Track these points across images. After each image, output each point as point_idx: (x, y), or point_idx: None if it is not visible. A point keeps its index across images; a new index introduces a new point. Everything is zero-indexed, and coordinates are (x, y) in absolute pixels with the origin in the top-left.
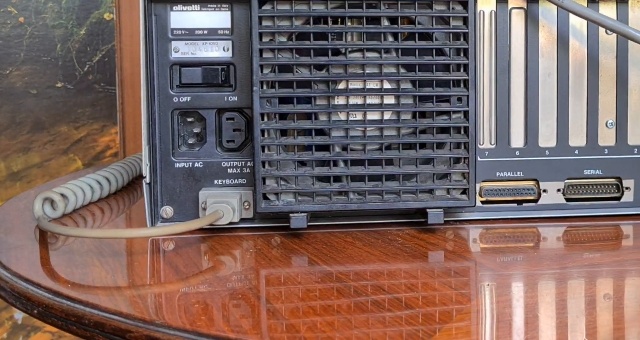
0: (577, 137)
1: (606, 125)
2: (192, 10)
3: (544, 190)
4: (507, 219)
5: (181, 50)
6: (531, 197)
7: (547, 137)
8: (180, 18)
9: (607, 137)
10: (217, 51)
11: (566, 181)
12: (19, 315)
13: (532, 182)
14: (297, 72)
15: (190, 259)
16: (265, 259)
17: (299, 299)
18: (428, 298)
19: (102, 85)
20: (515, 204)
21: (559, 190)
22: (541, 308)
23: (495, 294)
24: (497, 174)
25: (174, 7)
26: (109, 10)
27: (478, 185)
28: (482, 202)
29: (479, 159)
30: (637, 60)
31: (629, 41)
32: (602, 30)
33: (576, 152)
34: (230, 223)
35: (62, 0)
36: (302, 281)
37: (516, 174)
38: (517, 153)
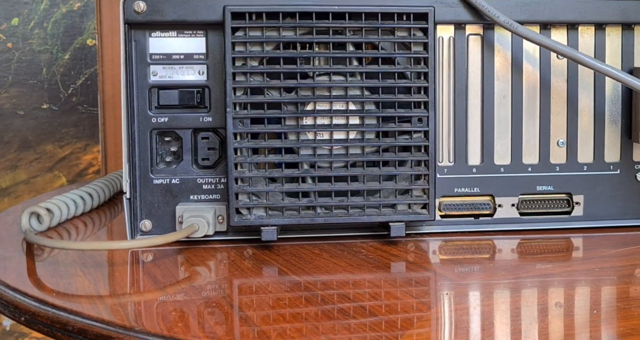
0: (530, 155)
1: (557, 144)
2: (169, 37)
3: (499, 205)
4: (465, 232)
5: (159, 73)
6: (487, 212)
7: (502, 155)
8: (158, 44)
9: (558, 155)
10: (192, 75)
11: (520, 196)
12: (7, 322)
13: (488, 198)
14: (267, 94)
15: (168, 270)
16: (238, 269)
17: (269, 307)
18: (391, 306)
19: (85, 106)
20: (472, 218)
21: (513, 205)
22: (497, 315)
23: (453, 302)
24: (455, 189)
25: (153, 34)
26: (92, 36)
27: (437, 201)
28: (441, 216)
29: (438, 175)
30: (587, 83)
31: (579, 65)
32: (553, 55)
33: (529, 169)
34: (205, 236)
35: (48, 27)
36: (272, 290)
37: (473, 190)
38: (474, 170)
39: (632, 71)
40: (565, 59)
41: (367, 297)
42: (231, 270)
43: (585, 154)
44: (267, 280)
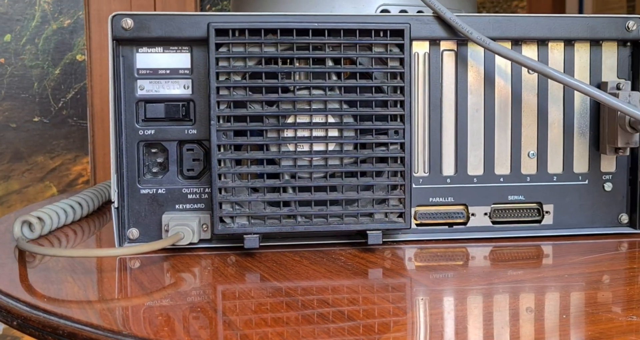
0: (502, 166)
1: (528, 155)
2: (155, 52)
3: (473, 214)
4: (439, 239)
5: (146, 88)
6: (461, 220)
7: (475, 166)
8: (145, 59)
9: (529, 166)
10: (178, 89)
11: (492, 206)
12: (0, 326)
13: (461, 207)
14: (250, 107)
15: (154, 276)
16: (221, 275)
17: (252, 312)
18: (368, 311)
19: (74, 119)
20: (446, 226)
21: (485, 214)
22: (470, 320)
23: (428, 307)
24: (431, 199)
25: (140, 50)
26: (81, 52)
27: (413, 210)
28: (417, 225)
29: (414, 186)
30: (557, 97)
31: (549, 80)
32: (524, 70)
33: (501, 179)
34: (190, 243)
35: (39, 43)
36: (254, 296)
37: (447, 199)
38: (448, 180)
39: (600, 85)
40: (536, 74)
41: (345, 303)
42: (215, 276)
43: (554, 165)
44: (250, 286)
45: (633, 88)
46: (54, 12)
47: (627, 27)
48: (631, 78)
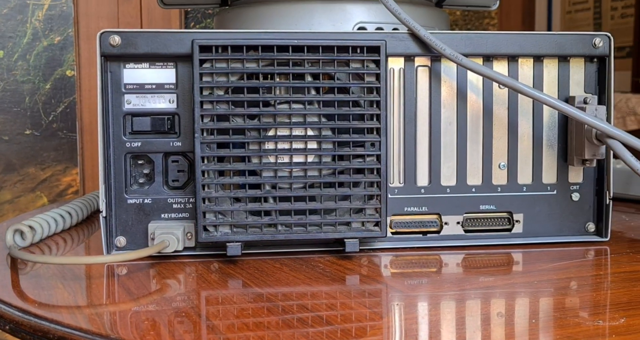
0: (474, 177)
1: (499, 166)
2: (142, 68)
3: (446, 223)
4: (414, 247)
5: (133, 102)
6: (434, 229)
7: (448, 177)
8: (132, 74)
9: (499, 177)
10: (163, 103)
11: (465, 215)
12: None
13: (435, 216)
14: (233, 121)
15: (141, 282)
16: (205, 282)
17: (234, 317)
18: (345, 316)
19: (64, 132)
20: (420, 235)
21: (458, 222)
22: (443, 324)
23: (403, 312)
24: (405, 208)
25: (127, 65)
26: (71, 67)
27: (389, 219)
28: (392, 233)
29: (389, 196)
30: (526, 111)
31: (519, 94)
32: (495, 84)
33: (473, 190)
34: (175, 251)
35: (30, 59)
36: (237, 301)
37: (421, 208)
38: (423, 191)
39: (568, 100)
40: (506, 89)
41: (324, 308)
42: (199, 282)
43: (524, 176)
44: (232, 292)
45: (599, 102)
46: (44, 30)
47: (594, 43)
48: (597, 93)
